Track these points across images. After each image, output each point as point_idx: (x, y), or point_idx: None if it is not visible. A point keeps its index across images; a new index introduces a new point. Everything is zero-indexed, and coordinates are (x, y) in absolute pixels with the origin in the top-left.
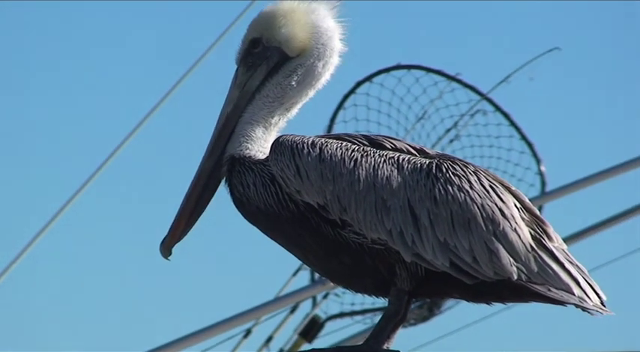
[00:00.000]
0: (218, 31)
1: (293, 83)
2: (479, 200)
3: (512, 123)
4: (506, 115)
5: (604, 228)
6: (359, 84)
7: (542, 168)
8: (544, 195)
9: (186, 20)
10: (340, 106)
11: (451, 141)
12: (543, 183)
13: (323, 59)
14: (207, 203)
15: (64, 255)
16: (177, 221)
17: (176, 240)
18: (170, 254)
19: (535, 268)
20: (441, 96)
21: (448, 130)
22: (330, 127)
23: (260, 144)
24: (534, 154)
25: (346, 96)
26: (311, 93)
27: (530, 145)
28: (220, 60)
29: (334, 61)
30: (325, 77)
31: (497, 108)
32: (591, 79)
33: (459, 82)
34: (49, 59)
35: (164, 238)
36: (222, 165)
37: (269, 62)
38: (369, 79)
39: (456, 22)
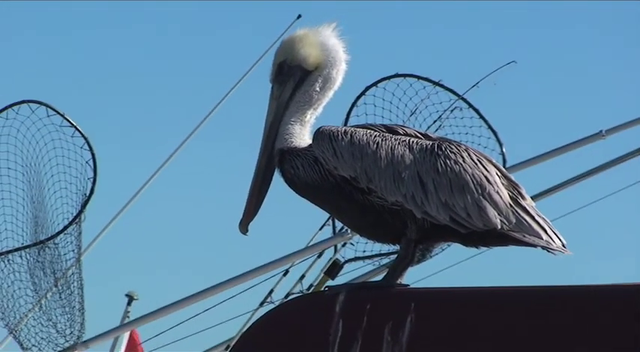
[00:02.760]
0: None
1: (317, 89)
2: (470, 170)
3: (481, 117)
4: (476, 110)
5: (547, 195)
6: (367, 88)
7: (504, 150)
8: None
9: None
10: (354, 104)
11: (436, 130)
12: (504, 161)
13: (335, 68)
14: (267, 189)
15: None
16: (248, 205)
17: (249, 219)
18: (247, 231)
19: (513, 220)
20: (428, 96)
21: (434, 122)
22: (346, 120)
23: (300, 138)
24: (498, 139)
25: (358, 97)
26: (330, 94)
27: (494, 132)
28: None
29: (343, 67)
30: (339, 81)
31: (470, 105)
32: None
33: (442, 86)
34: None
35: (240, 220)
36: (274, 158)
37: (295, 78)
38: (375, 84)
39: (440, 39)
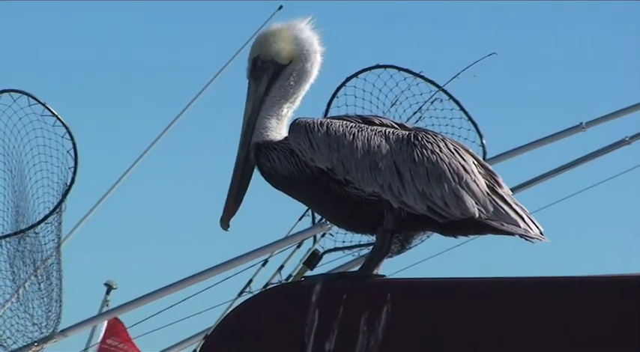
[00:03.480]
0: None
1: (292, 83)
2: (447, 159)
3: (462, 108)
4: (457, 102)
5: (528, 186)
6: (348, 79)
7: (484, 141)
8: (484, 161)
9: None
10: (334, 95)
11: (417, 121)
12: (484, 153)
13: (309, 61)
14: (247, 184)
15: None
16: (228, 202)
17: (230, 216)
18: (229, 226)
19: (491, 208)
20: (409, 87)
21: (414, 113)
22: (327, 111)
23: (276, 132)
24: (478, 131)
25: (338, 88)
26: (306, 87)
27: (474, 124)
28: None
29: (318, 59)
30: (314, 74)
31: (451, 96)
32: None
33: (422, 77)
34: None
35: (221, 216)
36: (251, 152)
37: (269, 72)
38: (355, 75)
39: (423, 31)
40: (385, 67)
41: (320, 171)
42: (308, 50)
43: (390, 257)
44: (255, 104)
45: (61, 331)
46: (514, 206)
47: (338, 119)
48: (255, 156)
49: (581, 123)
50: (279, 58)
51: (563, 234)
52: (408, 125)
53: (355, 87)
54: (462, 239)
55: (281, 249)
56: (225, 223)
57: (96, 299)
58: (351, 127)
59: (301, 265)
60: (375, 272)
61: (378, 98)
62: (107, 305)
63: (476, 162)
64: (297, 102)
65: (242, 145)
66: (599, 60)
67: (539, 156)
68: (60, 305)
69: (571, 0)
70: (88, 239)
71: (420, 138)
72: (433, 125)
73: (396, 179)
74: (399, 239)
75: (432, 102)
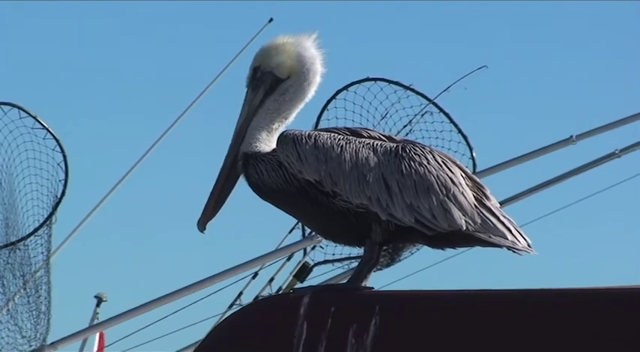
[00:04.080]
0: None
1: (287, 99)
2: (434, 172)
3: (452, 121)
4: (447, 115)
5: (517, 199)
6: (338, 92)
7: (474, 154)
8: (475, 174)
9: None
10: (324, 108)
11: (407, 134)
12: (474, 166)
13: (307, 80)
14: (230, 191)
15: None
16: (207, 206)
17: (207, 219)
18: (205, 229)
19: (479, 220)
20: (399, 100)
21: (405, 126)
22: (317, 123)
23: (265, 144)
24: (468, 144)
25: (329, 101)
26: (301, 105)
27: (465, 137)
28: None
29: (317, 80)
30: (311, 93)
31: (441, 109)
32: (509, 89)
33: (413, 90)
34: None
35: (199, 218)
36: (238, 161)
37: (266, 84)
38: (345, 88)
39: (414, 44)
40: (375, 80)
41: (308, 183)
42: (308, 69)
43: (380, 270)
44: (249, 114)
45: (51, 343)
46: (502, 218)
47: (326, 131)
48: (243, 166)
49: (571, 136)
50: (279, 72)
51: (554, 247)
52: (396, 137)
53: (345, 99)
54: (450, 251)
55: (271, 261)
56: (202, 225)
57: (86, 312)
58: (339, 139)
59: (291, 277)
60: (363, 284)
61: (368, 111)
62: (97, 318)
63: (464, 175)
64: (290, 119)
65: (229, 152)
66: (589, 73)
67: (529, 169)
68: (48, 318)
69: (561, 13)
70: (79, 251)
71: (407, 151)
72: (423, 138)
73: (384, 191)
74: (389, 252)
75: (422, 115)
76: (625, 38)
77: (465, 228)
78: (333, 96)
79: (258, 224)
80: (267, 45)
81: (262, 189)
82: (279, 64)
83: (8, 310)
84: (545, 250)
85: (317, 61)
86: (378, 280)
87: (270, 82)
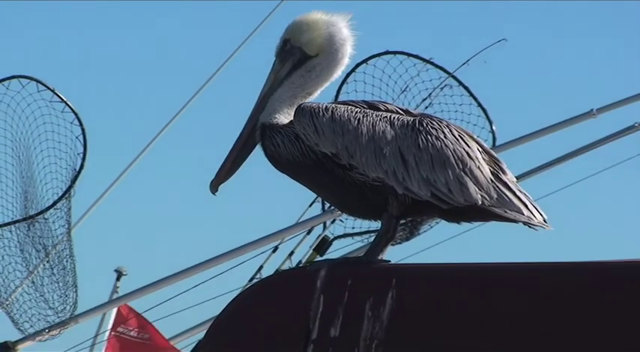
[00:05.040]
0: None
1: (313, 76)
2: (451, 146)
3: (471, 94)
4: (467, 88)
5: (538, 172)
6: (358, 65)
7: (494, 127)
8: (494, 148)
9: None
10: (344, 81)
11: (426, 107)
12: (494, 139)
13: (335, 60)
14: (245, 158)
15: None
16: (221, 169)
17: (220, 181)
18: (217, 190)
19: (495, 195)
20: (418, 74)
21: (424, 100)
22: (336, 97)
23: (284, 116)
24: (487, 117)
25: (348, 74)
26: (326, 83)
27: (484, 110)
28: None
29: (345, 62)
30: (338, 73)
31: (460, 83)
32: (528, 63)
33: (432, 63)
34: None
35: (212, 180)
36: (256, 130)
37: (294, 58)
38: (365, 61)
39: (430, 17)
40: (395, 53)
41: (324, 155)
42: (337, 50)
43: (400, 243)
44: (274, 84)
45: (74, 316)
46: (518, 193)
47: (343, 104)
48: (260, 136)
49: (592, 110)
50: (308, 48)
51: (573, 220)
52: (413, 111)
53: (365, 73)
54: (466, 225)
55: (291, 235)
56: (214, 187)
57: (106, 286)
58: (356, 112)
59: (311, 251)
60: (380, 257)
61: (387, 84)
62: (117, 292)
63: (480, 149)
64: (314, 95)
65: (249, 120)
66: (609, 47)
67: (549, 143)
68: (76, 290)
69: None
70: (99, 225)
71: (424, 125)
72: (442, 111)
73: (400, 165)
74: (407, 226)
75: (442, 89)
76: None
77: (480, 202)
78: (353, 70)
79: (278, 198)
80: (300, 19)
81: (279, 161)
82: (309, 41)
83: (33, 283)
84: (564, 223)
85: (348, 43)
86: (395, 254)
87: (299, 57)
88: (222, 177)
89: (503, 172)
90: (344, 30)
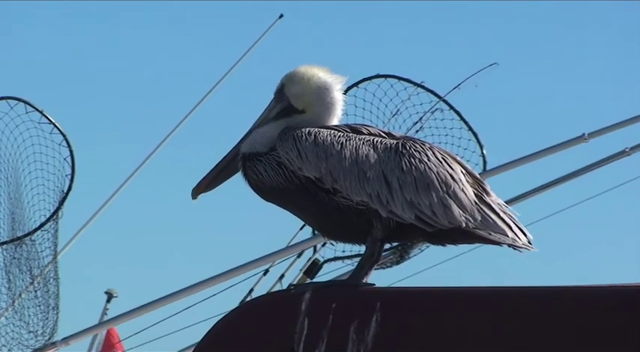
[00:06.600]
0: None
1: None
2: (434, 168)
3: (462, 118)
4: (457, 112)
5: (528, 197)
6: (348, 88)
7: (484, 152)
8: (485, 172)
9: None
10: None
11: (417, 131)
12: (485, 163)
13: (320, 121)
14: (225, 178)
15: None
16: (202, 181)
17: (200, 191)
18: (196, 198)
19: (479, 217)
20: (409, 97)
21: (415, 123)
22: None
23: (265, 147)
24: (478, 141)
25: None
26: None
27: (475, 134)
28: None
29: (332, 121)
30: (326, 124)
31: (451, 107)
32: (520, 87)
33: (423, 87)
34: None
35: (194, 187)
36: (238, 161)
37: (282, 104)
38: (356, 84)
39: (422, 41)
40: (386, 76)
41: (308, 180)
42: (322, 112)
43: (390, 267)
44: (263, 121)
45: (63, 339)
46: (502, 215)
47: (326, 128)
48: (242, 166)
49: (583, 134)
50: (295, 101)
51: (564, 245)
52: (396, 134)
53: (355, 96)
54: (453, 251)
55: (282, 258)
56: (194, 195)
57: (96, 308)
58: (339, 136)
59: (302, 274)
60: (364, 280)
61: (378, 108)
62: (107, 314)
63: (464, 171)
64: None
65: (233, 148)
66: (601, 71)
67: (540, 167)
68: (57, 313)
69: (573, 11)
70: (89, 247)
71: (407, 147)
72: (433, 135)
73: (384, 188)
74: (398, 249)
75: (433, 113)
76: (637, 37)
77: (464, 224)
78: (344, 93)
79: (269, 221)
80: (297, 71)
81: (262, 189)
82: (296, 95)
83: (14, 306)
84: (554, 248)
85: (335, 107)
86: (381, 279)
87: (286, 106)
88: (202, 188)
89: (487, 194)
90: (334, 93)
